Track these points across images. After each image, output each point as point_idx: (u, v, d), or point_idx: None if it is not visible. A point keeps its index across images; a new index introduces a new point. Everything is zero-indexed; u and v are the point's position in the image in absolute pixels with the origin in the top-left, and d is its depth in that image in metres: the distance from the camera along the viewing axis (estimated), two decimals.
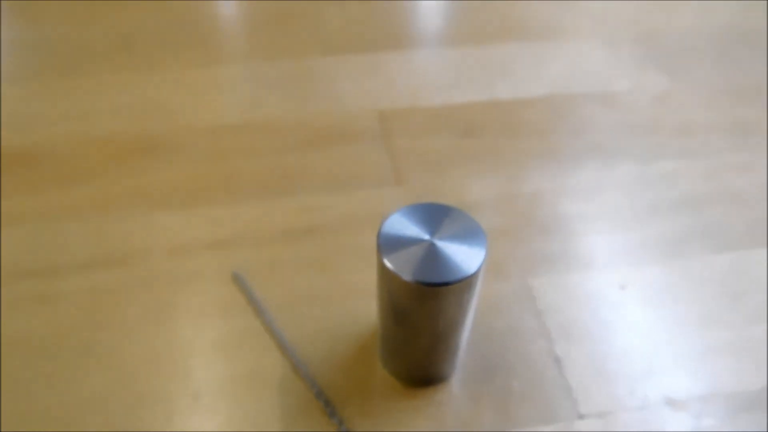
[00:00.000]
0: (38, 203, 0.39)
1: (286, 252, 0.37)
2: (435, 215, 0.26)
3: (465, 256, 0.25)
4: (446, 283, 0.24)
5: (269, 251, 0.37)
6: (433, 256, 0.25)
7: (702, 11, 0.55)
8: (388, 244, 0.25)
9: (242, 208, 0.39)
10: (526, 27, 0.55)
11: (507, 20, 0.56)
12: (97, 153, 0.43)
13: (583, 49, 0.53)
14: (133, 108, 0.46)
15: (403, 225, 0.26)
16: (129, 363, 0.32)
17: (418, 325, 0.27)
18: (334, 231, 0.38)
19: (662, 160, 0.43)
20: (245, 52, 0.47)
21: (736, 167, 0.42)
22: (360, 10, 0.55)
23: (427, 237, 0.26)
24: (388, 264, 0.25)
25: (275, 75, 0.48)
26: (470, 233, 0.26)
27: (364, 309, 0.34)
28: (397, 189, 0.41)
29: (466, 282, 0.25)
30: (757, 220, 0.39)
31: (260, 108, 0.46)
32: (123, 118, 0.45)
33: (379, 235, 0.26)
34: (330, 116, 0.45)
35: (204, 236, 0.38)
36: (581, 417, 0.30)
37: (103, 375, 0.31)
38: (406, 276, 0.24)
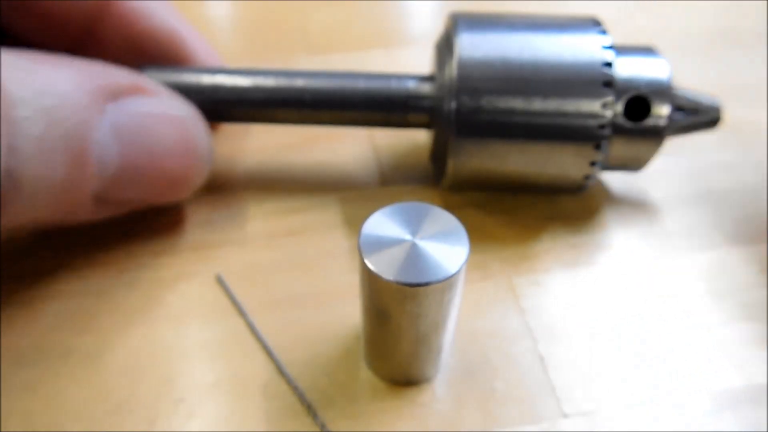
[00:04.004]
0: None
1: (269, 254, 0.37)
2: (416, 215, 0.26)
3: (447, 256, 0.25)
4: (428, 283, 0.24)
5: (253, 253, 0.37)
6: (414, 256, 0.25)
7: (687, 11, 0.56)
8: (369, 244, 0.25)
9: (227, 209, 0.39)
10: None
11: None
12: None
13: None
14: None
15: (383, 225, 0.26)
16: (111, 367, 0.32)
17: (401, 325, 0.27)
18: (318, 232, 0.38)
19: None
20: (230, 53, 0.47)
21: (719, 167, 0.42)
22: (346, 9, 0.55)
23: (408, 237, 0.26)
24: (369, 265, 0.25)
25: None
26: (452, 232, 0.26)
27: (348, 311, 0.34)
28: (382, 189, 0.41)
29: (448, 282, 0.25)
30: (741, 219, 0.39)
31: None
32: None
33: (359, 236, 0.26)
34: None
35: (188, 238, 0.37)
36: (565, 416, 0.30)
37: (85, 380, 0.31)
38: (388, 276, 0.24)
